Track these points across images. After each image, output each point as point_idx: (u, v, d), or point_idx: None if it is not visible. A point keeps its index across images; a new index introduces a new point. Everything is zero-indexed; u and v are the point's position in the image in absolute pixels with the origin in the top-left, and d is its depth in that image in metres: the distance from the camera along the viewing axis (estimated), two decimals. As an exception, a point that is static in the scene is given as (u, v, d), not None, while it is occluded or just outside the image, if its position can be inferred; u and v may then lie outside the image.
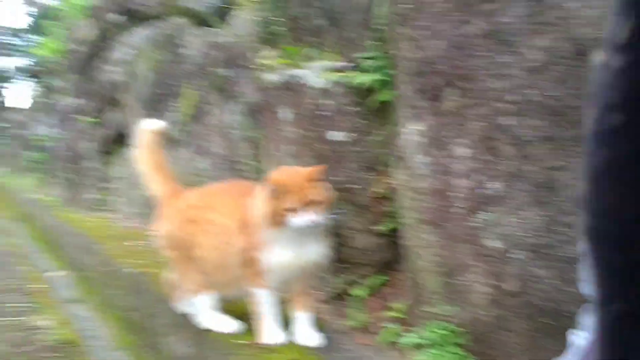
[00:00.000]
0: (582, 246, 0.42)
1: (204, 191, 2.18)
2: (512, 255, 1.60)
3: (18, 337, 2.74)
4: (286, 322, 1.96)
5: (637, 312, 0.36)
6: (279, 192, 1.74)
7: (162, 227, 2.15)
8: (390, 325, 2.02)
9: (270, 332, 1.92)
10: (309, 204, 1.74)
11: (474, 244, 1.69)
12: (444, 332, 1.76)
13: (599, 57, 0.37)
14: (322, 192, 1.79)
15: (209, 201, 2.05)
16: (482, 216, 1.66)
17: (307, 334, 1.93)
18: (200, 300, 2.08)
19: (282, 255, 1.83)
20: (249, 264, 1.89)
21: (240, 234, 1.90)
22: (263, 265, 1.85)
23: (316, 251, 1.86)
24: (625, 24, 0.35)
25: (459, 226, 1.73)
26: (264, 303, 1.91)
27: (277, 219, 1.75)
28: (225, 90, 3.23)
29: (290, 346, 1.91)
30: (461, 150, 1.71)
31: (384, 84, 2.14)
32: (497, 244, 1.63)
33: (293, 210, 1.73)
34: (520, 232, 1.58)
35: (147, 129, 2.22)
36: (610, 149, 0.37)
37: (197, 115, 3.48)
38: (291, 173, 1.83)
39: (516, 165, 1.58)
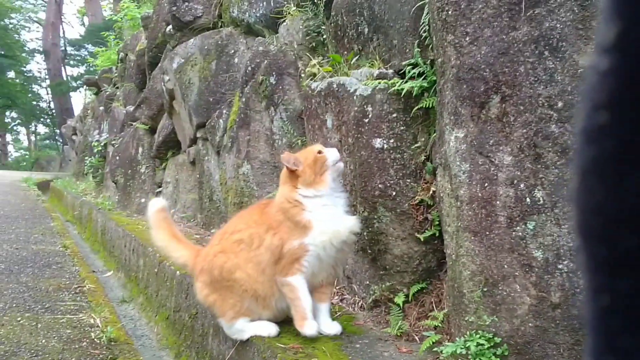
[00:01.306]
0: (575, 242, 0.44)
1: (219, 231, 2.28)
2: (557, 266, 1.56)
3: (71, 334, 2.85)
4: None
5: (621, 308, 0.38)
6: (297, 161, 2.05)
7: (199, 283, 2.19)
8: (431, 334, 2.00)
9: (308, 323, 2.00)
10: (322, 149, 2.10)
11: (517, 254, 1.66)
12: (485, 342, 1.73)
13: (589, 59, 0.39)
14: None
15: (230, 229, 2.16)
16: (525, 225, 1.63)
17: (330, 324, 2.12)
18: (240, 323, 2.12)
19: (330, 223, 1.99)
20: (285, 256, 1.99)
21: (272, 234, 2.02)
22: (309, 241, 1.97)
23: (352, 221, 2.05)
24: (612, 28, 0.37)
25: (502, 235, 1.69)
26: (299, 288, 2.00)
27: (319, 167, 2.03)
28: (271, 98, 3.29)
29: (331, 352, 1.92)
30: (505, 157, 1.68)
31: (428, 91, 2.13)
32: (541, 254, 1.59)
33: (320, 152, 2.06)
34: (565, 241, 1.54)
35: (152, 210, 2.35)
36: (596, 146, 0.39)
37: (244, 121, 3.56)
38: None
39: (561, 174, 1.54)
